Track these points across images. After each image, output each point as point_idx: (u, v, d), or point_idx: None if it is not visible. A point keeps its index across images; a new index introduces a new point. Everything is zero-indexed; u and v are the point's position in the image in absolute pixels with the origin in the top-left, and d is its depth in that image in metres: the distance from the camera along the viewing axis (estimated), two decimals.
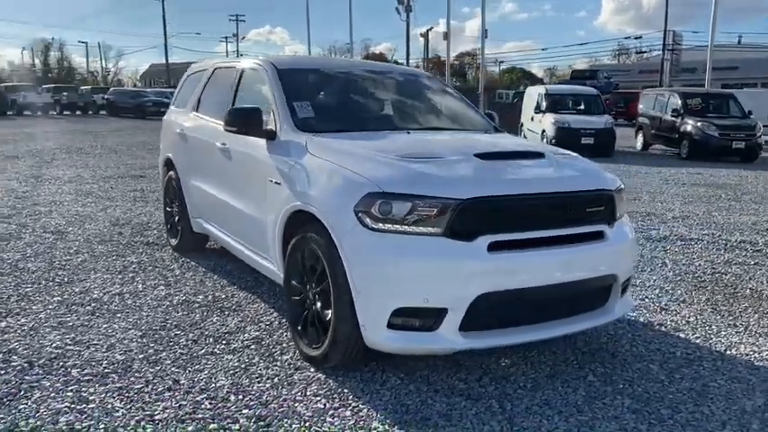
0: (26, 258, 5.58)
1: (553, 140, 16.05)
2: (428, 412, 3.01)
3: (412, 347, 3.13)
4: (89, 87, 47.52)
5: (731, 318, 4.42)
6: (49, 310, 4.25)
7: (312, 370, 3.41)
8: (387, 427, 2.87)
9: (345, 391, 3.20)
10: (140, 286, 4.85)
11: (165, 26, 60.22)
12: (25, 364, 3.41)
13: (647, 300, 4.74)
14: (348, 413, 2.99)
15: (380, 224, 3.04)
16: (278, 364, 3.50)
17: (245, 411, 2.97)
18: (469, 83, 66.08)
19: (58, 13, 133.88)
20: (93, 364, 3.44)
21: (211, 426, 2.84)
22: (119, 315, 4.20)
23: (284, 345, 3.74)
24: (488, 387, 3.28)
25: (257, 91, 4.50)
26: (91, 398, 3.06)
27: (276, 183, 3.77)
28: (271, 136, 3.98)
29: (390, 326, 3.05)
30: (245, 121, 4.02)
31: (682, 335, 4.08)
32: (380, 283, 3.05)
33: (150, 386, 3.21)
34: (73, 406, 2.98)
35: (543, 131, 16.82)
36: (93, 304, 4.40)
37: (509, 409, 3.06)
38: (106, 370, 3.37)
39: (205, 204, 5.16)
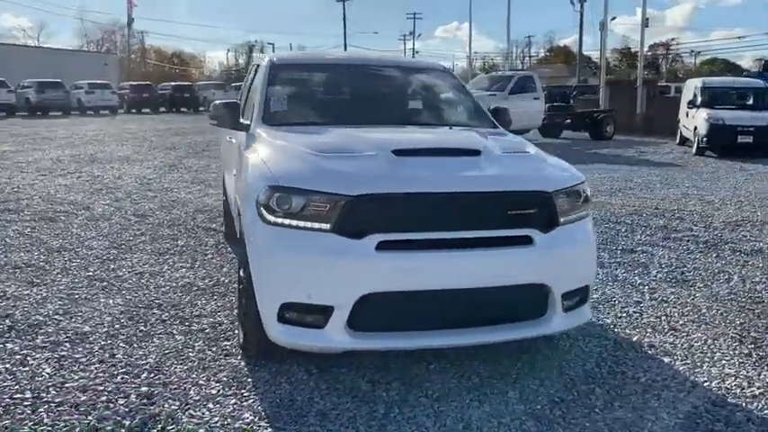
0: (98, 237, 6.28)
1: (704, 139, 14.51)
2: (308, 410, 2.98)
3: (301, 344, 3.12)
4: None
5: None
6: (71, 284, 4.79)
7: (238, 357, 3.52)
8: (256, 419, 2.90)
9: (250, 380, 3.26)
10: (165, 267, 5.27)
11: (345, 26, 63.01)
12: (6, 328, 3.89)
13: None
14: (233, 401, 3.05)
15: (277, 218, 3.05)
16: (213, 349, 3.64)
17: (142, 389, 3.15)
18: (663, 76, 61.47)
19: (258, 18, 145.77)
20: (59, 333, 3.83)
21: (102, 398, 3.05)
22: (123, 292, 4.61)
23: (235, 332, 3.87)
24: (392, 392, 3.15)
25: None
26: (30, 362, 3.43)
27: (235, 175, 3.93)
28: (246, 129, 4.13)
29: (283, 320, 3.06)
30: (222, 114, 4.21)
31: None
32: (270, 276, 3.09)
33: (88, 357, 3.51)
34: (10, 368, 3.36)
35: (695, 129, 15.23)
36: (111, 281, 4.87)
37: (393, 416, 2.93)
38: (64, 340, 3.74)
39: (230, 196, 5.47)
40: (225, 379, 3.27)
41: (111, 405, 2.97)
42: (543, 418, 2.93)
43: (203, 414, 2.93)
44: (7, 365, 3.37)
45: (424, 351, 3.43)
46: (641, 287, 4.87)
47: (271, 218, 3.06)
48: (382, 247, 2.95)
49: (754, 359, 3.62)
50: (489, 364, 3.43)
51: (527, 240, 3.13)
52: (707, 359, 3.60)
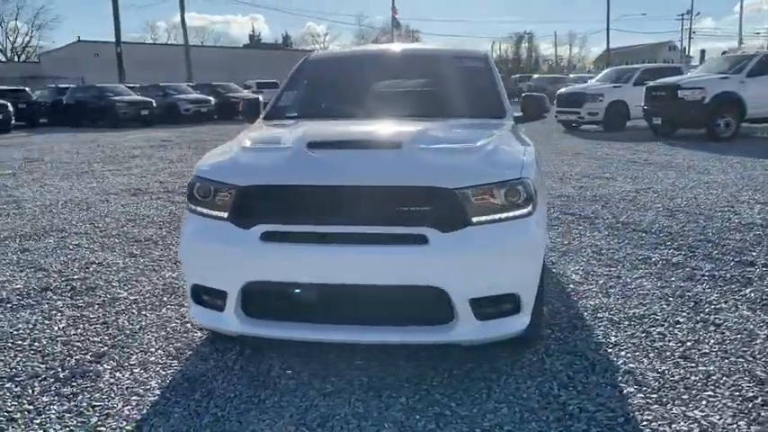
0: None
1: None
2: (199, 387, 3.17)
3: (208, 324, 3.31)
4: (543, 76, 48.42)
5: None
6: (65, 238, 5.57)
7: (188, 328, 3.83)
8: (123, 403, 3.06)
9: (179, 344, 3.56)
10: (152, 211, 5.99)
11: (609, 8, 59.54)
12: None
13: None
14: (127, 374, 3.35)
15: (195, 206, 3.29)
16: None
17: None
18: None
19: (522, 8, 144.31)
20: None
21: None
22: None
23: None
24: (289, 380, 3.19)
25: None
26: None
27: None
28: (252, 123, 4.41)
29: (197, 301, 3.29)
30: (245, 109, 4.54)
31: None
32: (185, 259, 3.34)
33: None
34: None
35: None
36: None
37: (269, 404, 2.98)
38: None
39: None
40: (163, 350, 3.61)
41: None
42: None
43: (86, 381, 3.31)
44: None
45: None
46: None
47: (191, 206, 3.31)
48: (266, 237, 3.01)
49: None
50: (422, 363, 3.26)
51: (421, 240, 2.91)
52: None
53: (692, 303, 4.12)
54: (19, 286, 4.75)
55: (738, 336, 3.61)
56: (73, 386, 3.18)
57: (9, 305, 4.34)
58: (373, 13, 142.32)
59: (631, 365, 3.27)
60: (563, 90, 19.46)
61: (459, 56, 4.89)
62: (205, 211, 3.21)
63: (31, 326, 3.96)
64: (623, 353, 3.43)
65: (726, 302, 4.12)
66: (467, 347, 3.32)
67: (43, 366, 3.41)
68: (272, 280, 3.01)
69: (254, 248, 3.01)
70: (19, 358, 3.50)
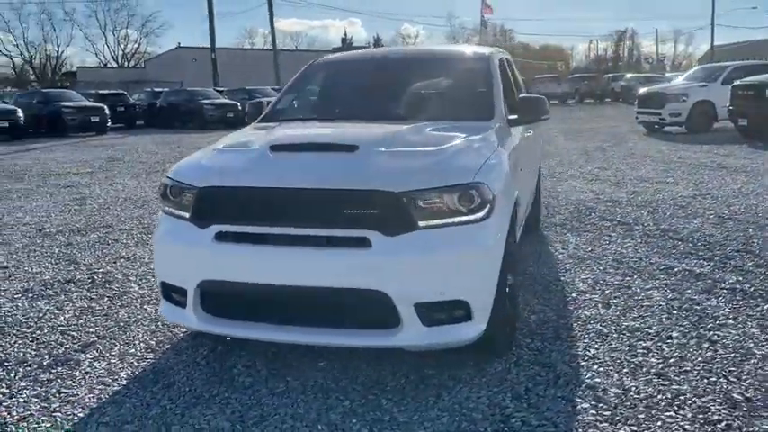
0: None
1: None
2: (162, 380, 3.28)
3: (173, 320, 3.43)
4: (637, 75, 45.38)
5: None
6: None
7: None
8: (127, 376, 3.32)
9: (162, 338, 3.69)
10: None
11: (714, 2, 56.29)
12: None
13: None
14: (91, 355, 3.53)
15: (165, 207, 3.42)
16: None
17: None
18: None
19: (632, 3, 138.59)
20: None
21: None
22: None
23: None
24: (247, 377, 3.25)
25: None
26: None
27: None
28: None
29: (165, 298, 3.41)
30: (249, 112, 4.66)
31: None
32: (154, 257, 3.47)
33: None
34: None
35: None
36: None
37: (218, 401, 3.06)
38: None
39: None
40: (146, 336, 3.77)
41: None
42: None
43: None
44: None
45: None
46: None
47: (163, 206, 3.44)
48: (220, 237, 3.08)
49: None
50: (373, 369, 3.24)
51: (364, 243, 2.89)
52: None
53: (696, 318, 3.85)
54: (47, 278, 5.08)
55: (731, 354, 3.34)
56: (51, 373, 3.38)
57: (30, 295, 4.66)
58: (472, 13, 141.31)
59: (597, 380, 3.10)
60: (643, 90, 18.55)
61: (460, 57, 4.80)
62: (173, 211, 3.33)
63: (40, 315, 4.24)
64: (596, 367, 3.26)
65: (735, 318, 3.82)
66: (423, 354, 3.27)
67: (33, 353, 3.64)
68: (225, 279, 3.08)
69: (209, 248, 3.09)
70: (17, 345, 3.76)
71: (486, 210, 2.98)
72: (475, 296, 2.98)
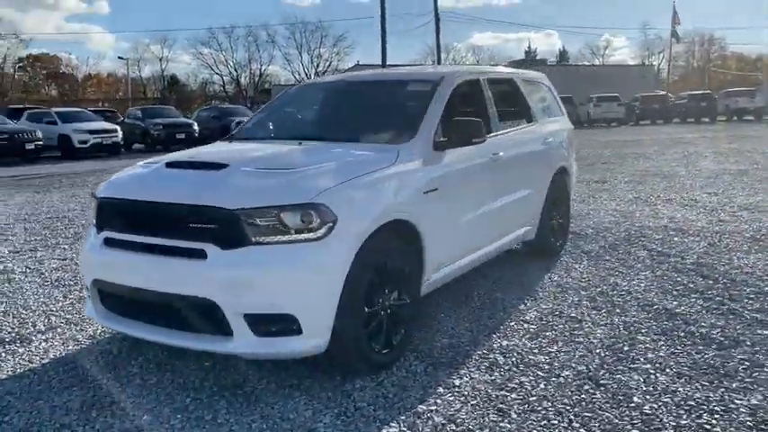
0: None
1: None
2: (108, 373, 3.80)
3: (87, 314, 3.90)
4: None
5: None
6: None
7: None
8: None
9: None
10: None
11: None
12: None
13: None
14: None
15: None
16: None
17: None
18: None
19: None
20: None
21: None
22: None
23: None
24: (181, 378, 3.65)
25: None
26: None
27: None
28: None
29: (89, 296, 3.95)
30: (232, 129, 5.15)
31: None
32: None
33: None
34: None
35: None
36: None
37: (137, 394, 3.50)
38: None
39: None
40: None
41: None
42: None
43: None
44: None
45: None
46: None
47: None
48: (106, 242, 3.57)
49: None
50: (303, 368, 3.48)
51: (201, 254, 3.17)
52: None
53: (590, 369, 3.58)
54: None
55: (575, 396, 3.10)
56: (4, 350, 4.05)
57: (62, 288, 5.52)
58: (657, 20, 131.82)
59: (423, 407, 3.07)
60: None
61: (411, 80, 4.89)
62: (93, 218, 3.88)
63: (45, 299, 5.03)
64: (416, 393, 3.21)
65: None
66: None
67: (8, 330, 4.37)
68: (108, 280, 3.57)
69: (98, 251, 3.61)
70: (5, 323, 4.53)
71: (324, 230, 3.13)
72: (305, 312, 3.13)
